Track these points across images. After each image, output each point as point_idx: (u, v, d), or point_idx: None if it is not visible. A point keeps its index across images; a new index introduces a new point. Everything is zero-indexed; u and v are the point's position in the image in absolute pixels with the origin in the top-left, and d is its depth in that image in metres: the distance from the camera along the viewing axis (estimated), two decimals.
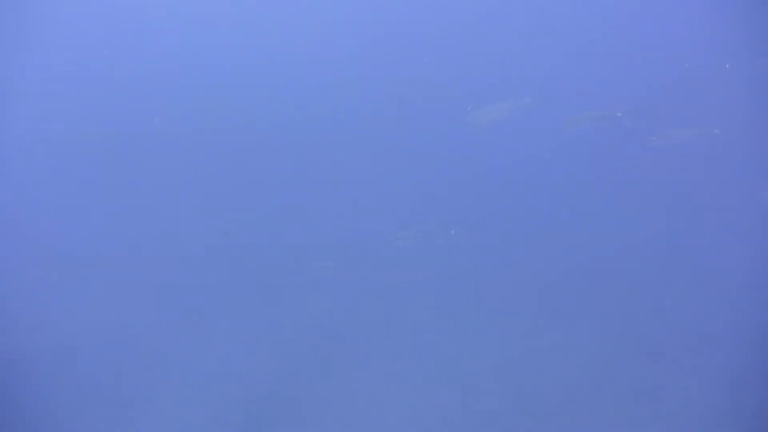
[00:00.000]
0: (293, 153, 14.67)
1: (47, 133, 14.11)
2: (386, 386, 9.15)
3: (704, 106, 12.76)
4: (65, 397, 9.62)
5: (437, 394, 8.81)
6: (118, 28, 14.64)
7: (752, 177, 12.34)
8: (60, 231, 13.48)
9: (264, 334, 11.26)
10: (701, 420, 7.46)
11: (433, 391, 8.88)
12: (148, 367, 10.54)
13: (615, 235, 12.76)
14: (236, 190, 14.32)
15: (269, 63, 14.83)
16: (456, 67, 14.36)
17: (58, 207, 13.72)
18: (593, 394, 8.25)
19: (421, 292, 11.94)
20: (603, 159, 13.97)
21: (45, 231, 13.46)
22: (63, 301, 12.29)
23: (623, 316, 10.15)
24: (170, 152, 14.43)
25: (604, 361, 9.02)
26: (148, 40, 14.72)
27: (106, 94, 14.44)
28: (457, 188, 14.36)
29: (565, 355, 9.33)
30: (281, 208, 14.12)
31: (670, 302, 10.30)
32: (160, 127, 14.48)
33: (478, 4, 14.59)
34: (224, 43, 14.96)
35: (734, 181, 12.80)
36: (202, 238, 13.61)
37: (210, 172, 14.54)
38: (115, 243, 13.32)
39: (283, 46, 14.90)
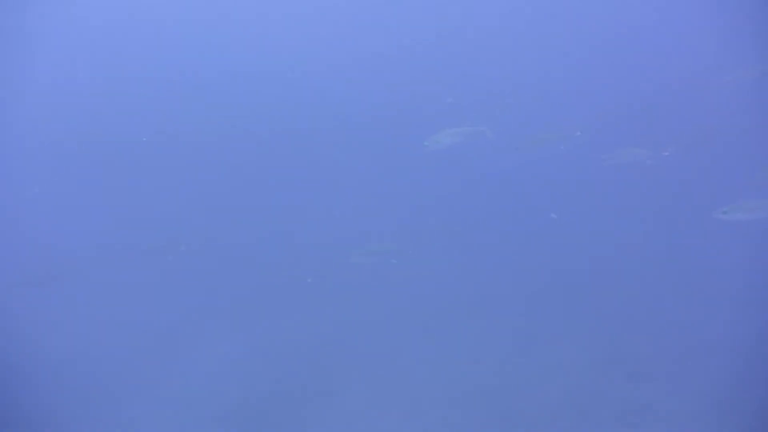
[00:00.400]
0: (291, 155, 14.81)
1: (47, 135, 14.28)
2: (371, 405, 9.16)
3: (658, 128, 13.02)
4: (65, 397, 9.75)
5: (423, 411, 8.83)
6: (118, 30, 14.91)
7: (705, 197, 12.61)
8: (60, 232, 13.67)
9: (262, 338, 11.39)
10: None
11: (418, 408, 8.92)
12: (146, 367, 10.71)
13: (600, 254, 12.92)
14: (236, 194, 14.50)
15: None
16: (411, 94, 14.67)
17: (58, 208, 13.86)
18: (579, 413, 8.27)
19: (410, 307, 12.06)
20: (573, 177, 14.24)
21: (45, 232, 13.63)
22: (62, 303, 12.49)
23: (609, 335, 10.15)
24: (170, 155, 14.58)
25: (590, 381, 9.02)
26: (147, 43, 14.99)
27: (107, 97, 14.69)
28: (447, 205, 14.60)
29: (550, 373, 9.33)
30: (280, 212, 14.27)
31: (656, 322, 10.33)
32: (161, 130, 14.54)
33: (433, 33, 14.94)
34: (221, 47, 15.32)
35: (690, 199, 13.05)
36: (201, 239, 13.72)
37: (210, 174, 14.74)
38: (116, 244, 13.41)
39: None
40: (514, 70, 15.00)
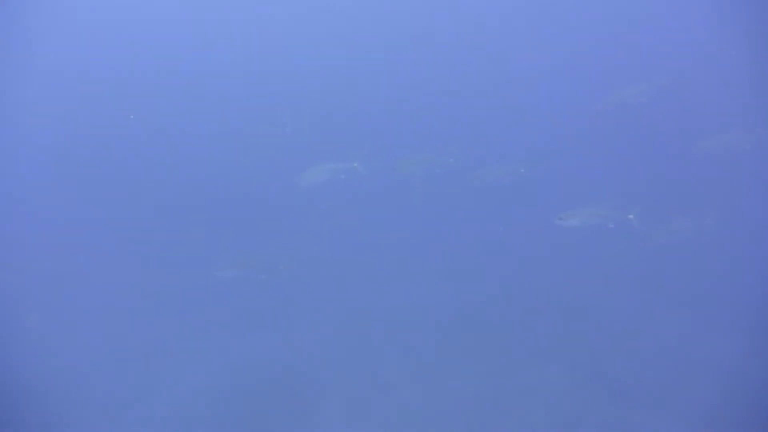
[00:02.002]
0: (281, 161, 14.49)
1: (47, 137, 14.43)
2: (351, 421, 9.16)
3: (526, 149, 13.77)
4: (65, 399, 9.90)
5: (403, 426, 8.81)
6: (117, 31, 15.13)
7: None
8: (59, 235, 13.74)
9: (240, 357, 11.28)
10: None
11: (399, 423, 8.90)
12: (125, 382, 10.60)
13: (588, 276, 12.83)
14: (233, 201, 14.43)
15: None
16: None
17: (58, 211, 13.96)
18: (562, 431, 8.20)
19: (392, 322, 11.96)
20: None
21: (45, 234, 13.76)
22: (62, 307, 12.55)
23: (594, 356, 10.07)
24: (171, 156, 14.70)
25: (575, 402, 8.91)
26: (147, 44, 15.18)
27: (107, 99, 14.75)
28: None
29: (535, 395, 9.24)
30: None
31: (642, 343, 10.27)
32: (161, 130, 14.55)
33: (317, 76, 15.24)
34: (219, 49, 15.54)
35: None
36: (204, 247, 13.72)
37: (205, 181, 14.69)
38: (114, 250, 13.49)
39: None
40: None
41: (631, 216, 9.53)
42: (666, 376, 9.14)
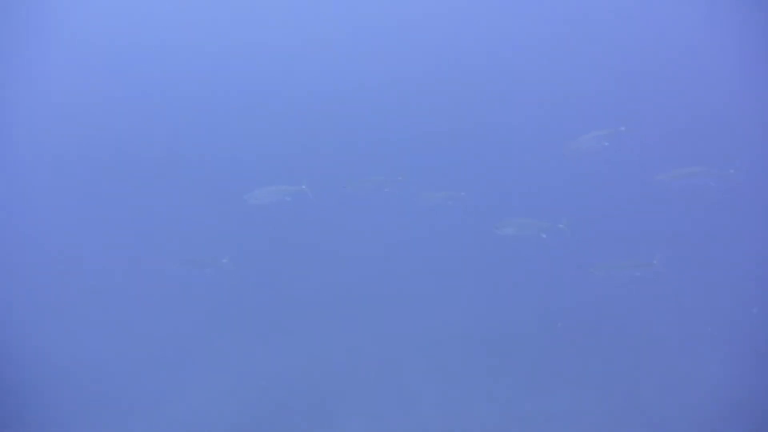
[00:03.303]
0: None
1: (47, 141, 14.71)
2: None
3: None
4: (65, 406, 9.89)
5: None
6: (117, 32, 15.30)
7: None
8: (61, 240, 14.00)
9: (255, 370, 11.14)
10: None
11: None
12: (129, 395, 10.45)
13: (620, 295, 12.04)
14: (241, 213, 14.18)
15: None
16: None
17: (59, 215, 14.31)
18: None
19: (420, 340, 11.74)
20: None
21: (46, 238, 14.02)
22: (62, 311, 12.78)
23: (631, 385, 9.67)
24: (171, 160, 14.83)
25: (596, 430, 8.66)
26: (147, 45, 15.28)
27: (108, 103, 14.93)
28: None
29: (562, 418, 9.01)
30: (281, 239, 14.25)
31: (682, 375, 9.79)
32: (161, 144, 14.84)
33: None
34: (220, 51, 15.52)
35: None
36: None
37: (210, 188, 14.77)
38: (117, 256, 13.74)
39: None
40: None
41: (561, 225, 10.23)
42: (705, 409, 8.76)
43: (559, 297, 12.70)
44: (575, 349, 10.92)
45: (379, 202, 12.72)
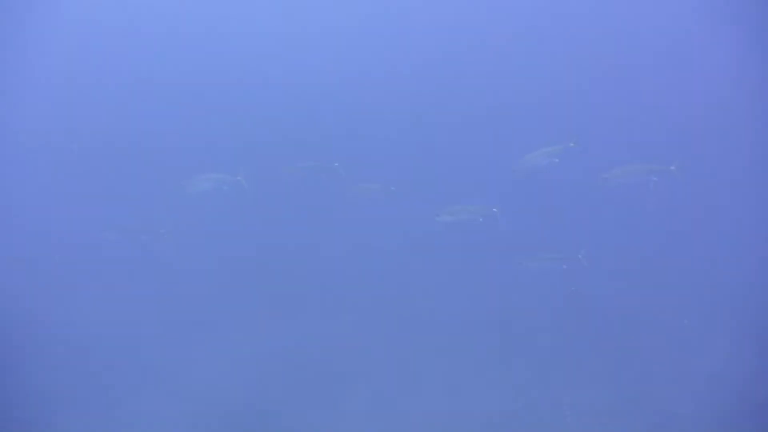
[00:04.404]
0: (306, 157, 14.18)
1: (48, 137, 14.19)
2: (375, 419, 8.98)
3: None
4: (59, 394, 9.57)
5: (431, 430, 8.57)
6: (117, 32, 14.89)
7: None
8: (60, 232, 13.46)
9: (260, 348, 10.98)
10: None
11: (426, 427, 8.67)
12: (140, 370, 10.43)
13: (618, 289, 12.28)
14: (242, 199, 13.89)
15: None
16: None
17: (58, 210, 13.66)
18: None
19: (427, 324, 11.62)
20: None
21: (44, 232, 13.47)
22: (62, 303, 12.24)
23: (642, 379, 9.64)
24: (171, 157, 14.23)
25: (605, 421, 8.61)
26: (146, 44, 14.96)
27: (108, 99, 14.58)
28: None
29: (562, 411, 8.93)
30: (287, 218, 13.94)
31: (696, 371, 9.70)
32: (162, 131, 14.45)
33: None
34: (220, 51, 15.23)
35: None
36: (204, 243, 13.47)
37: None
38: (116, 246, 12.90)
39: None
40: None
41: (494, 209, 10.40)
42: (719, 407, 8.56)
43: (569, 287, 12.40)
44: (583, 337, 10.87)
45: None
